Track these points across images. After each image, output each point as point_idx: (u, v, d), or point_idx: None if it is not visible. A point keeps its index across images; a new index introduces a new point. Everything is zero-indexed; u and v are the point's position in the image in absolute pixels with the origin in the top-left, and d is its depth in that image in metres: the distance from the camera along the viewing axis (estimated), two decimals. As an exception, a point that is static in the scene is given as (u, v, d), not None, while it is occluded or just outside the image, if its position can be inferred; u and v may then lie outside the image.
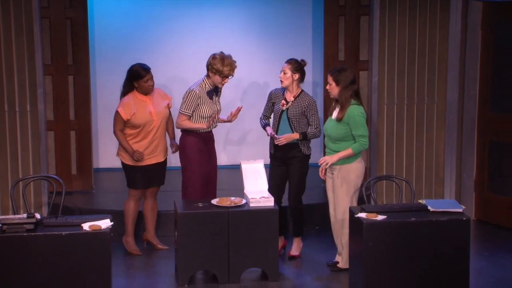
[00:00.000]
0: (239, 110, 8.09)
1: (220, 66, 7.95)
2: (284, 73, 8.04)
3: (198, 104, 8.00)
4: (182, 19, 10.56)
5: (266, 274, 7.64)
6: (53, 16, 9.45)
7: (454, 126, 9.46)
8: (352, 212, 7.14)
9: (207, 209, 7.53)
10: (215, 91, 8.11)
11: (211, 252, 7.49)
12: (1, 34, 8.87)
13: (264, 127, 8.23)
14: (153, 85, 8.22)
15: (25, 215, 6.68)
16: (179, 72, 10.52)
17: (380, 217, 6.92)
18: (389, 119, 9.44)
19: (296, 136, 8.01)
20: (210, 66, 7.99)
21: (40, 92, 8.98)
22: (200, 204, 7.64)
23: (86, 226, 6.67)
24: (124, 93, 8.23)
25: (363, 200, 7.88)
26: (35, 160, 9.04)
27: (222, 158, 10.63)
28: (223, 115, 8.25)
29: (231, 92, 10.29)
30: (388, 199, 9.47)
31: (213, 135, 8.21)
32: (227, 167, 10.50)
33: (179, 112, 8.05)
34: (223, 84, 8.08)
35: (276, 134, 8.06)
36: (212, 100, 8.07)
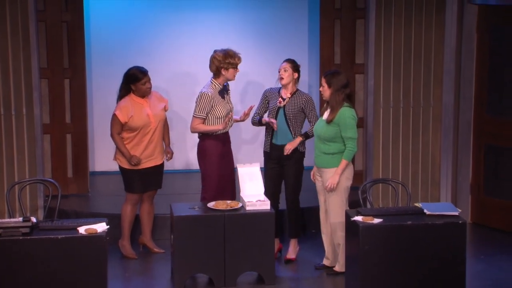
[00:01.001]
0: (251, 108, 8.11)
1: (231, 59, 7.98)
2: (285, 71, 8.05)
3: (212, 106, 8.00)
4: (178, 22, 10.55)
5: (262, 278, 7.64)
6: (49, 19, 9.45)
7: (450, 129, 9.46)
8: (348, 216, 7.15)
9: (203, 213, 7.53)
10: (225, 90, 8.13)
11: (207, 256, 7.49)
12: (-3, 37, 8.88)
13: (259, 120, 8.19)
14: (150, 88, 8.22)
15: (21, 219, 6.68)
16: (175, 75, 10.51)
17: (376, 221, 6.93)
18: (385, 122, 9.43)
19: (299, 140, 8.01)
20: (220, 65, 7.98)
21: (36, 95, 8.96)
22: (196, 208, 7.64)
23: (82, 230, 6.67)
24: (121, 96, 8.23)
25: (359, 203, 7.89)
26: (31, 164, 9.02)
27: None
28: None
29: (227, 95, 10.28)
30: (384, 203, 9.46)
31: (229, 135, 8.21)
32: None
33: (193, 116, 8.03)
34: (235, 76, 8.08)
35: (273, 131, 8.06)
36: (224, 99, 8.08)
